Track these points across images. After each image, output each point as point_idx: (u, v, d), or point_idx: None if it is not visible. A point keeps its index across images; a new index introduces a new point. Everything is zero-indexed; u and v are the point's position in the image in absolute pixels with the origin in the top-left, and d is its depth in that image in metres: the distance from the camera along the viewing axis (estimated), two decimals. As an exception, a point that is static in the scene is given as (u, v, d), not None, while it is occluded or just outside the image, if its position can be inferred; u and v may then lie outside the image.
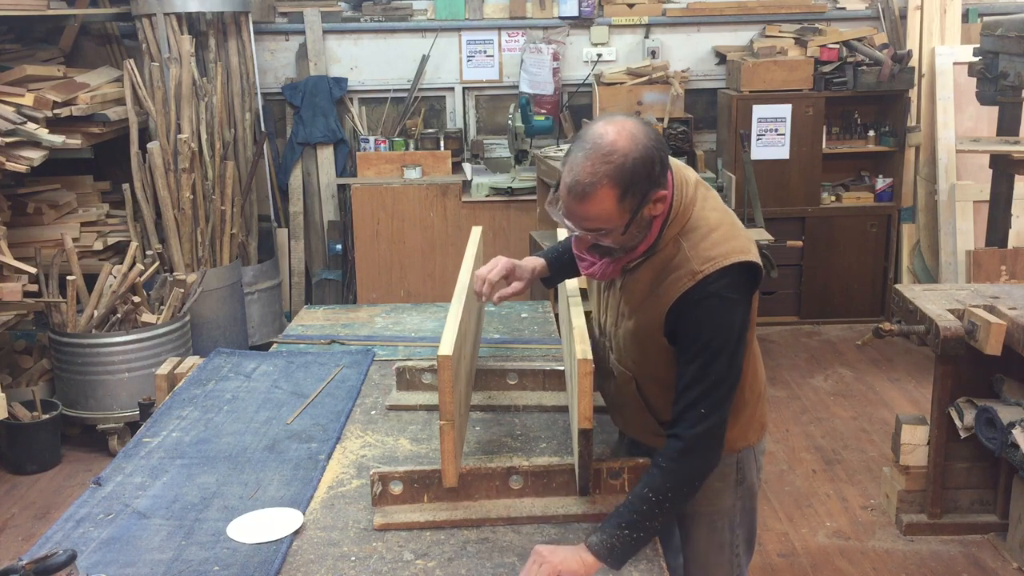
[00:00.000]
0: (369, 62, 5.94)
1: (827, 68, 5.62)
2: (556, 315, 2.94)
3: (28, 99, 4.24)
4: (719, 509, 2.09)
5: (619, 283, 1.96)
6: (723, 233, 1.83)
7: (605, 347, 2.06)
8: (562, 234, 2.76)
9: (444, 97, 6.08)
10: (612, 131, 1.72)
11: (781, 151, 5.65)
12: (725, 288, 1.79)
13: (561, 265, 2.24)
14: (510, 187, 5.51)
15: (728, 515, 2.10)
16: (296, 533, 1.89)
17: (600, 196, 1.71)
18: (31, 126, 4.10)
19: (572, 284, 2.31)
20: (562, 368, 2.45)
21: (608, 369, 2.07)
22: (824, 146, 5.73)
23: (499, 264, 2.16)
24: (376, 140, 5.81)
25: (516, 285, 2.19)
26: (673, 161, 1.88)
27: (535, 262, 2.24)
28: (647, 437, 2.06)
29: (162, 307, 4.46)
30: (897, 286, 3.71)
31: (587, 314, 2.12)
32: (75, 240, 4.59)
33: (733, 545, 2.13)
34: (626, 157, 1.70)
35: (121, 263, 4.37)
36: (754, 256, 1.84)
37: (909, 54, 5.55)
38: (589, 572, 1.74)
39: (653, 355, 1.92)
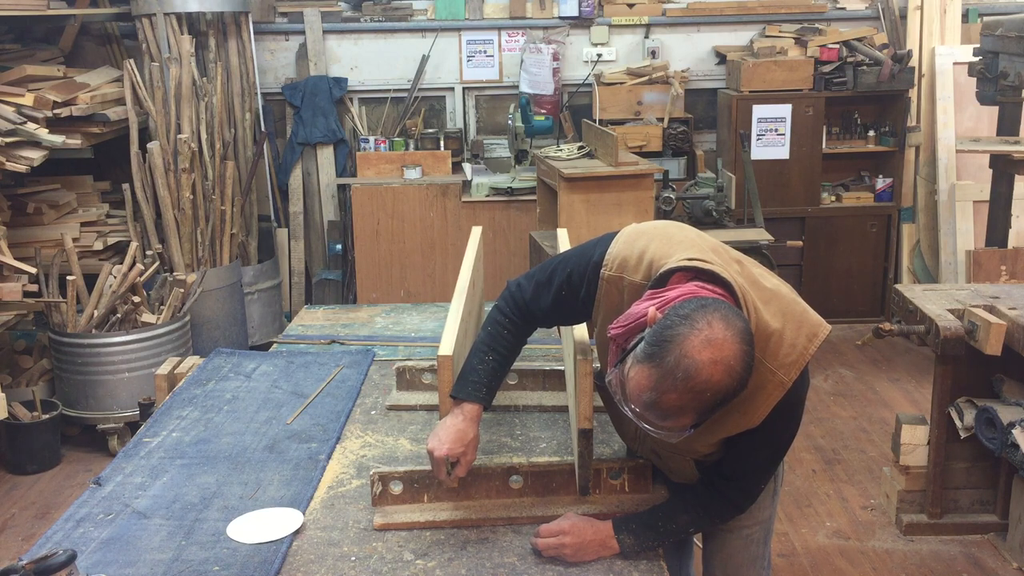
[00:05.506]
0: (369, 62, 5.93)
1: (827, 68, 5.61)
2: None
3: (28, 99, 4.23)
4: (757, 520, 2.05)
5: None
6: (790, 326, 1.70)
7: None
8: (563, 234, 2.76)
9: (444, 97, 6.08)
10: (708, 360, 1.51)
11: (781, 151, 5.65)
12: (801, 377, 1.73)
13: (494, 389, 1.95)
14: (510, 187, 5.51)
15: (764, 526, 2.08)
16: (296, 533, 1.89)
17: (681, 420, 1.58)
18: (31, 126, 4.09)
19: None
20: (562, 368, 2.46)
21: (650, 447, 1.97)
22: (824, 146, 5.72)
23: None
24: (376, 140, 5.80)
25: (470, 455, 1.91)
26: (738, 281, 1.68)
27: (473, 417, 1.89)
28: (685, 479, 1.98)
29: (162, 307, 4.46)
30: (897, 286, 3.71)
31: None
32: (75, 240, 4.58)
33: (763, 559, 2.10)
34: (718, 392, 1.53)
35: (121, 263, 4.36)
36: (820, 328, 1.73)
37: (909, 54, 5.55)
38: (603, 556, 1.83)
39: (716, 444, 1.83)
